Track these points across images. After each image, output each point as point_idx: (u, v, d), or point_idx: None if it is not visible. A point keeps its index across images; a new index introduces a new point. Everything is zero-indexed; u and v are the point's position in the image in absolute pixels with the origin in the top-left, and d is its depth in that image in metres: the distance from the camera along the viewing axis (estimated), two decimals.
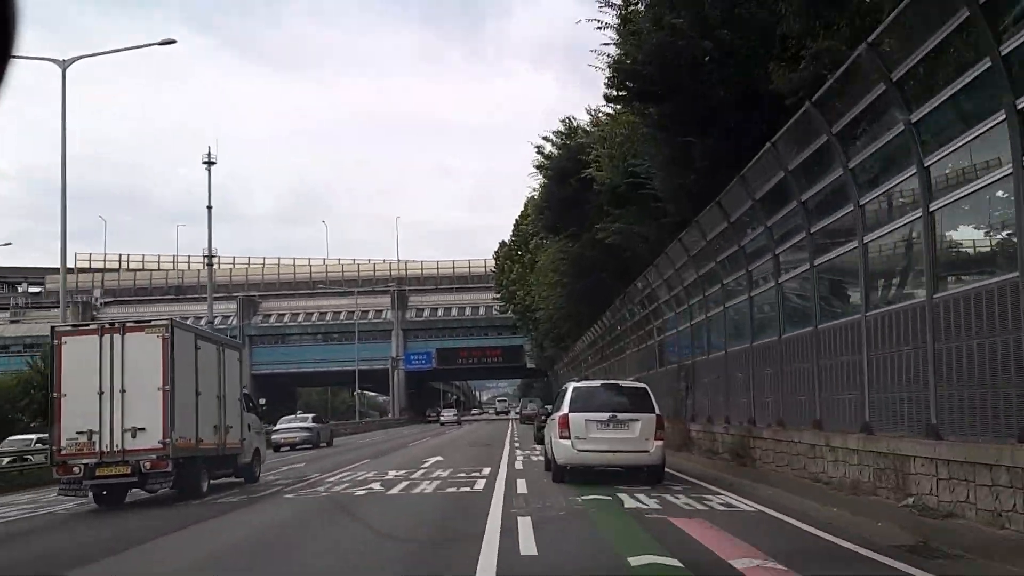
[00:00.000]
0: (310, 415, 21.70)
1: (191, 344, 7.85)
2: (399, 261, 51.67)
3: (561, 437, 7.42)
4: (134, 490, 7.73)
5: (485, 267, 47.66)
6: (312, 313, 49.16)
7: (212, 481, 8.27)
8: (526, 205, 32.96)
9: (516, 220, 35.64)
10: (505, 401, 75.93)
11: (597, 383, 8.53)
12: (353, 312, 48.00)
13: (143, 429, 7.24)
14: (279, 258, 52.29)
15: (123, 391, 7.27)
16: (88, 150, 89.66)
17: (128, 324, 7.57)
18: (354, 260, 46.43)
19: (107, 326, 7.53)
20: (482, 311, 48.18)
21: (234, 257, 52.03)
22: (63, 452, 7.22)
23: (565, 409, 7.52)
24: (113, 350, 7.32)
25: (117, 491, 7.63)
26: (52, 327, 7.69)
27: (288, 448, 18.37)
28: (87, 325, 8.15)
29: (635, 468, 7.31)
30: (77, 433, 7.22)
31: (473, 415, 57.88)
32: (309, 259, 49.65)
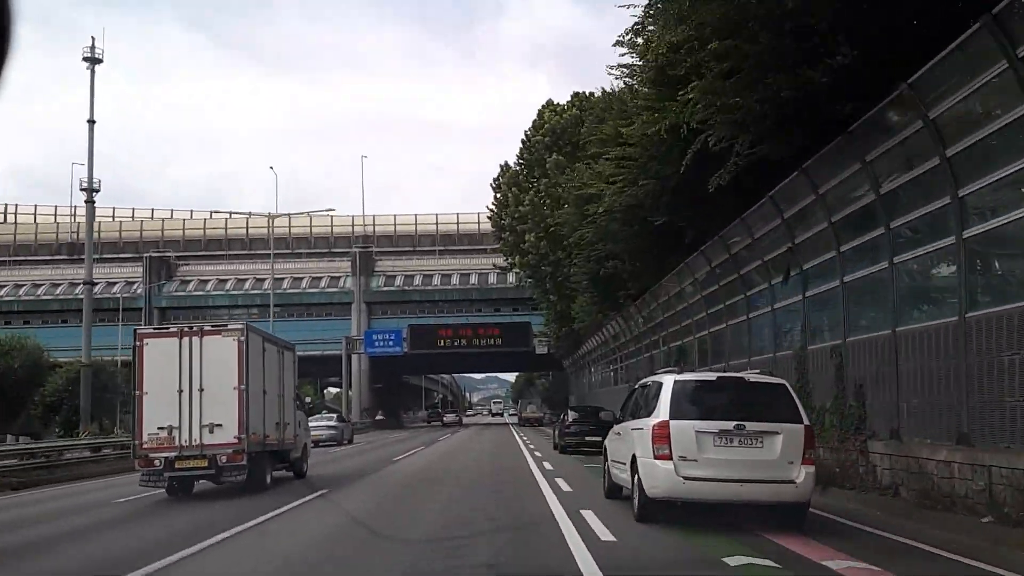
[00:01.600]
0: (334, 414, 28.79)
1: (260, 346, 11.54)
2: (365, 216, 54.70)
3: (657, 456, 6.80)
4: (200, 482, 11.52)
5: (478, 224, 50.87)
6: (245, 280, 51.94)
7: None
8: (541, 112, 32.98)
9: (526, 135, 34.32)
10: (500, 403, 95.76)
11: (710, 375, 7.92)
12: (301, 280, 51.48)
13: (220, 425, 10.91)
14: (212, 211, 55.37)
15: (201, 390, 10.91)
16: None
17: (206, 328, 11.17)
18: (307, 214, 49.28)
19: (186, 329, 11.13)
20: (474, 279, 51.15)
21: (152, 210, 54.69)
22: (144, 446, 10.87)
23: (663, 414, 6.88)
24: (192, 351, 10.93)
25: (186, 483, 11.41)
26: (135, 329, 11.37)
27: (313, 445, 22.33)
28: (168, 328, 11.72)
29: (769, 506, 6.68)
30: (158, 428, 10.87)
31: (467, 416, 70.36)
32: (248, 213, 52.48)
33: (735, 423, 6.77)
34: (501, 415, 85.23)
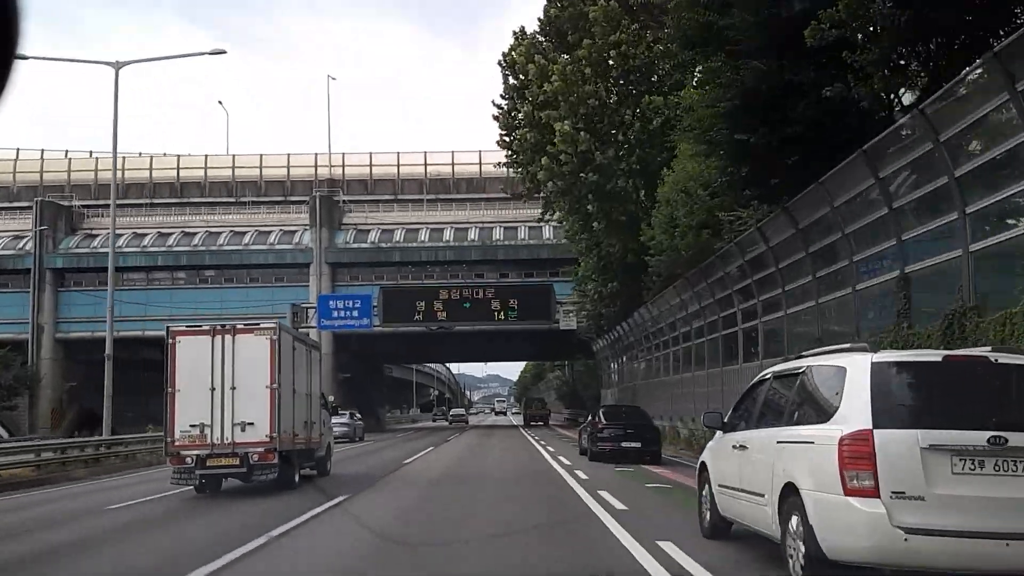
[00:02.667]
0: (346, 412, 36.20)
1: (291, 345, 16.10)
2: (332, 155, 58.15)
3: (851, 491, 6.15)
4: (227, 480, 16.17)
5: (479, 164, 54.67)
6: (170, 234, 55.60)
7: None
8: None
9: None
10: (503, 401, 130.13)
11: (932, 355, 7.04)
12: (243, 234, 55.49)
13: (252, 424, 15.49)
14: (140, 153, 58.87)
15: (233, 388, 15.44)
16: None
17: (238, 327, 15.68)
18: (258, 155, 53.07)
19: (219, 328, 15.62)
20: (474, 235, 54.53)
21: (69, 152, 57.79)
22: (176, 443, 15.47)
23: (859, 419, 6.27)
24: (224, 350, 15.42)
25: (215, 481, 16.02)
26: (167, 327, 15.88)
27: None
28: (200, 327, 16.19)
29: None
30: (190, 426, 15.45)
31: (472, 414, 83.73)
32: (179, 156, 56.16)
33: (990, 434, 6.02)
34: (504, 414, 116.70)
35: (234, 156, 55.02)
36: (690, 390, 28.34)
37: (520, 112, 35.33)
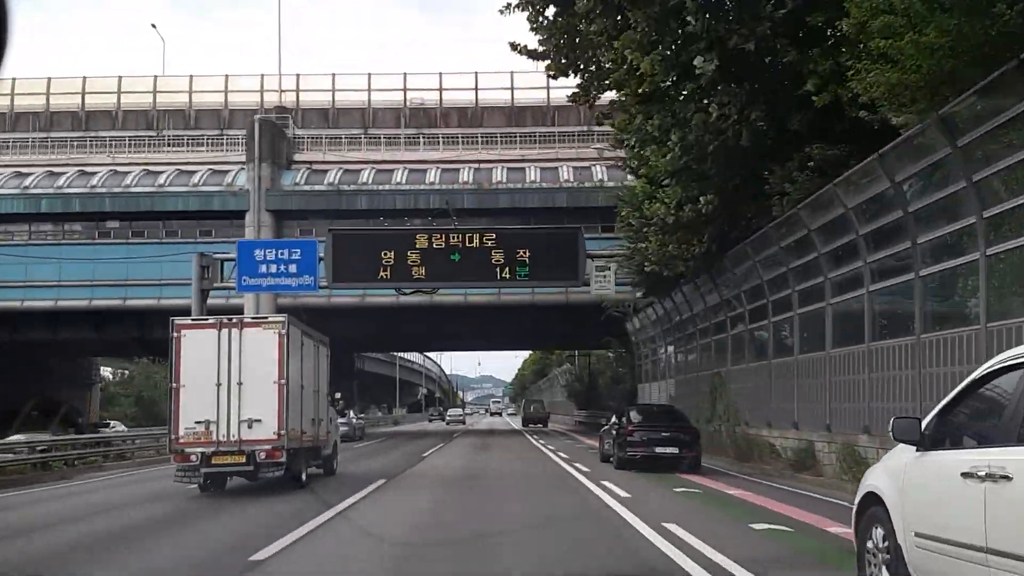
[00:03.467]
0: (348, 410, 44.41)
1: (299, 340, 23.85)
2: (283, 77, 63.59)
3: None
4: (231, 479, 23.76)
5: (475, 91, 60.69)
6: (60, 174, 60.72)
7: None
8: None
9: None
10: (499, 401, 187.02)
11: None
12: (158, 174, 60.23)
13: (259, 420, 22.99)
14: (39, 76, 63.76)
15: (240, 383, 22.94)
16: None
17: (246, 320, 23.36)
18: (188, 76, 58.85)
19: (225, 321, 23.13)
20: (467, 176, 59.33)
21: None
22: (181, 440, 23.01)
23: None
24: (231, 344, 22.92)
25: (220, 479, 23.58)
26: (172, 320, 23.46)
27: None
28: (206, 319, 23.67)
29: None
30: (195, 423, 22.97)
31: (467, 414, 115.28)
32: (85, 78, 61.73)
33: None
34: (500, 414, 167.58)
35: (156, 78, 60.33)
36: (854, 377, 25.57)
37: None
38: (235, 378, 22.80)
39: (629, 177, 45.04)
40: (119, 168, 61.26)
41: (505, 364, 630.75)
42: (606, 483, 24.35)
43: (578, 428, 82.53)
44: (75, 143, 63.84)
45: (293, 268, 42.82)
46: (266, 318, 23.54)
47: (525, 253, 42.07)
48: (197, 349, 22.86)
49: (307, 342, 24.88)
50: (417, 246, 42.38)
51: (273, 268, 43.17)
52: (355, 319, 59.67)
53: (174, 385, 22.95)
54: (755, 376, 34.00)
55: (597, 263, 42.26)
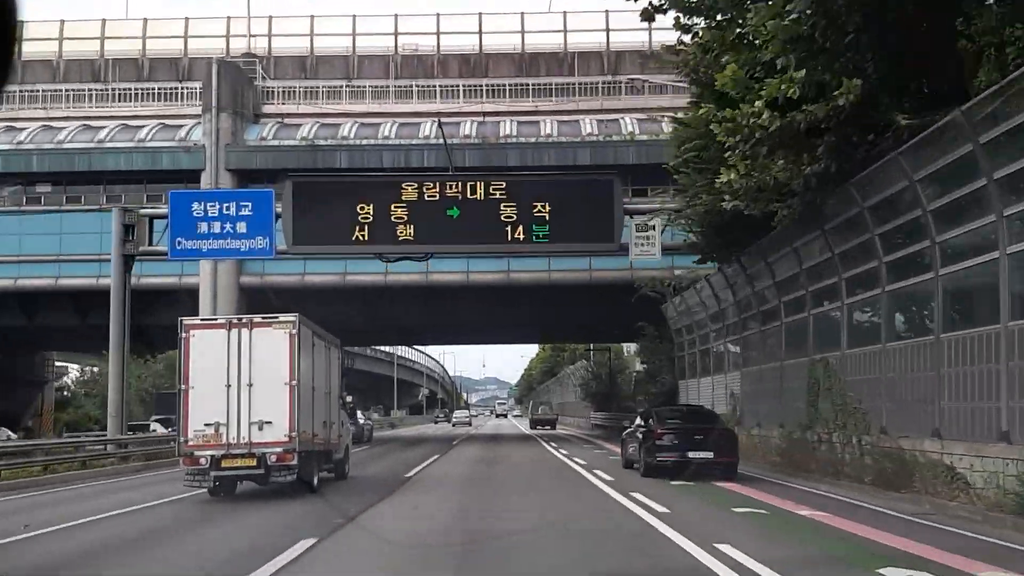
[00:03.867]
0: (358, 412, 49.54)
1: (310, 340, 27.22)
2: (252, 20, 65.48)
3: None
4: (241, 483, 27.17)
5: (479, 34, 62.10)
6: None
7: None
8: None
9: None
10: (504, 403, 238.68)
11: None
12: (100, 129, 61.85)
13: (270, 423, 26.09)
14: None
15: (250, 385, 26.07)
16: None
17: (256, 320, 26.48)
18: (142, 19, 60.55)
19: (235, 321, 26.47)
20: (469, 128, 60.71)
21: None
22: (190, 443, 26.07)
23: None
24: (241, 345, 26.08)
25: (229, 483, 26.95)
26: (180, 320, 26.68)
27: None
28: (215, 319, 27.10)
29: None
30: (204, 425, 26.05)
31: (472, 416, 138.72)
32: (22, 22, 63.99)
33: None
34: (506, 416, 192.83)
35: (104, 21, 61.79)
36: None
37: None
38: (245, 379, 25.88)
39: (666, 128, 43.63)
40: (53, 124, 62.68)
41: (510, 365, 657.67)
42: (643, 499, 24.41)
43: (596, 432, 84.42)
44: (3, 96, 64.16)
45: (243, 227, 41.43)
46: (276, 317, 26.40)
47: (544, 208, 40.15)
48: (206, 350, 25.93)
49: (318, 342, 28.12)
50: (403, 198, 40.48)
51: (217, 227, 41.80)
52: (335, 303, 59.41)
53: (183, 387, 25.97)
54: (901, 361, 26.66)
55: (637, 220, 40.71)
